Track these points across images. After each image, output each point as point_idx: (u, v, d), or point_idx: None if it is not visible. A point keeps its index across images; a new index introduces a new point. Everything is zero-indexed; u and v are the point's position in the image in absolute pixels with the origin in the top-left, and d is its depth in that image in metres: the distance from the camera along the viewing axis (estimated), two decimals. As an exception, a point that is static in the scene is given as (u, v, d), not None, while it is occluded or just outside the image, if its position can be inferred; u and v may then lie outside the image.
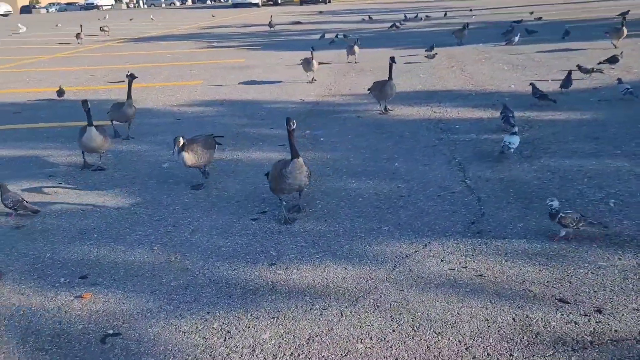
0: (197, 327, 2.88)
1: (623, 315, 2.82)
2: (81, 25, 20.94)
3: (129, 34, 22.94)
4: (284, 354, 2.65)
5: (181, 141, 4.52)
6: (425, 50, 11.55)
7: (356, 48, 11.87)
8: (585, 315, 2.83)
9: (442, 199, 4.47)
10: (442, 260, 3.48)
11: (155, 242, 3.94)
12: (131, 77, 6.68)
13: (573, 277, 3.22)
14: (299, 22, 25.98)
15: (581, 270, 3.28)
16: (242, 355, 2.65)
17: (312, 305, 3.05)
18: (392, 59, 7.15)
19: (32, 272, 3.57)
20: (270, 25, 21.91)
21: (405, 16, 24.36)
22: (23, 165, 5.95)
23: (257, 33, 21.83)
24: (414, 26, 20.45)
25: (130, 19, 31.92)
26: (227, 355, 2.67)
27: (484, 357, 2.56)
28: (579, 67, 8.76)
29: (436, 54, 11.32)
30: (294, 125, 3.94)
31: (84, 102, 5.34)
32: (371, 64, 11.64)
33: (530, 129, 6.38)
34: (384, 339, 2.73)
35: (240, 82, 10.46)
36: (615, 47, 11.13)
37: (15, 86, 11.20)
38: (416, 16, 24.28)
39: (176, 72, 12.14)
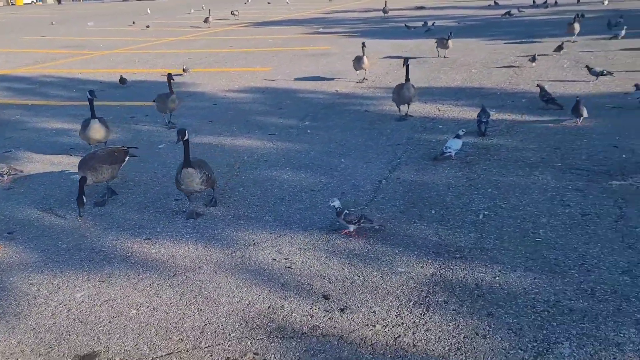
0: (42, 281, 3.63)
1: (358, 314, 3.06)
2: (209, 10, 22.82)
3: (255, 18, 24.42)
4: (81, 308, 3.30)
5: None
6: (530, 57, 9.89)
7: (450, 43, 11.15)
8: (327, 311, 3.12)
9: (341, 197, 4.76)
10: (276, 251, 3.88)
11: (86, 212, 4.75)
12: (169, 77, 7.24)
13: (359, 277, 3.46)
14: (422, 7, 25.66)
15: (375, 273, 3.50)
16: (56, 307, 3.34)
17: (139, 275, 3.66)
18: (406, 60, 6.96)
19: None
20: (384, 11, 22.03)
21: (533, 1, 23.04)
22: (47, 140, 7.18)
23: (370, 19, 22.06)
24: (532, 14, 19.35)
25: (268, 2, 33.63)
26: (43, 303, 3.39)
27: (227, 331, 2.99)
28: (588, 68, 8.24)
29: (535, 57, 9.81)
30: (186, 136, 4.17)
31: (90, 91, 5.70)
32: (460, 57, 11.42)
33: (507, 133, 6.25)
34: (160, 307, 3.27)
35: (303, 70, 11.02)
36: None
37: (124, 66, 12.86)
38: (545, 2, 22.81)
39: (258, 58, 13.04)
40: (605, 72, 8.14)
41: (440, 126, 6.77)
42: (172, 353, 2.81)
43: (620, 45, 11.35)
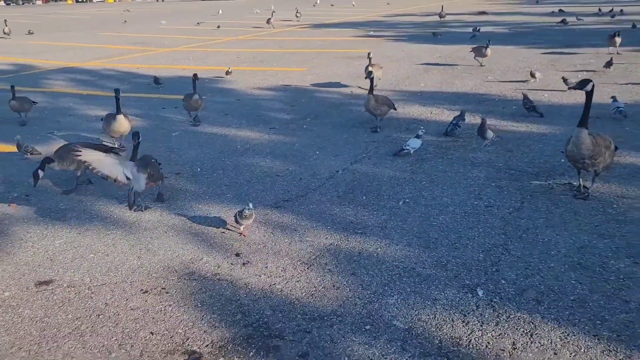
0: (35, 231, 4.68)
1: (254, 268, 3.85)
2: (273, 12, 24.01)
3: (316, 20, 25.38)
4: (55, 251, 4.29)
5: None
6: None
7: (489, 51, 11.17)
8: (232, 264, 3.93)
9: (289, 183, 5.50)
10: (220, 220, 4.71)
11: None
12: (194, 77, 7.70)
13: (272, 242, 4.24)
14: (484, 12, 25.68)
15: (286, 240, 4.27)
16: (37, 249, 4.36)
17: (107, 230, 4.62)
18: (370, 74, 7.17)
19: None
20: (440, 15, 22.35)
21: (599, 9, 22.65)
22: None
23: (426, 23, 22.42)
24: (590, 22, 19.11)
25: (332, 5, 34.54)
26: (30, 246, 4.42)
27: (151, 272, 3.88)
28: (564, 80, 8.51)
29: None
30: (139, 139, 4.67)
31: (116, 90, 6.31)
32: (488, 64, 11.80)
33: (476, 136, 6.75)
34: (112, 254, 4.20)
35: (333, 72, 11.77)
36: None
37: (181, 63, 14.18)
38: (611, 10, 22.34)
39: (300, 59, 13.92)
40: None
41: (422, 127, 7.35)
42: (105, 284, 3.72)
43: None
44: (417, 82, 10.39)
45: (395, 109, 7.35)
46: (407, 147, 6.05)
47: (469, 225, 4.35)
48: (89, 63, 13.93)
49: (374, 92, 7.05)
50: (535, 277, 3.55)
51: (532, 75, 9.18)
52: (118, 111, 6.39)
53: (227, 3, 41.03)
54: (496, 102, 8.53)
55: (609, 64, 9.72)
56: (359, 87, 9.93)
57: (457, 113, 7.14)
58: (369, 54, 9.59)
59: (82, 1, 53.51)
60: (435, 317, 3.19)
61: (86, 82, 11.47)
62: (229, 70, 11.29)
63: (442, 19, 22.34)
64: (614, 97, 7.17)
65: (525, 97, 7.58)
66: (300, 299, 3.42)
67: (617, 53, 12.07)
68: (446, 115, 7.87)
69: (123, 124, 6.45)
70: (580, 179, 4.90)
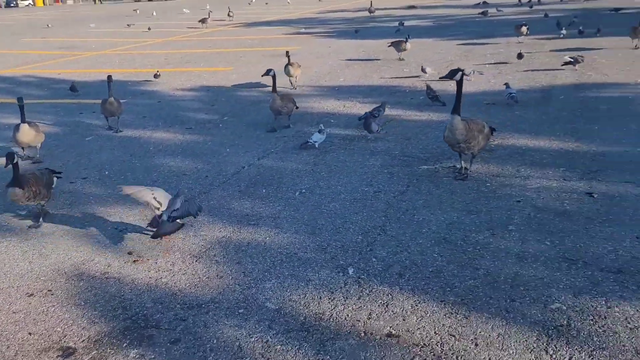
0: None
1: (145, 264, 3.98)
2: (210, 11, 23.87)
3: (249, 19, 25.37)
4: None
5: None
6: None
7: (408, 45, 11.42)
8: (124, 262, 4.04)
9: (194, 181, 5.64)
10: (115, 221, 4.80)
11: None
12: (109, 79, 7.49)
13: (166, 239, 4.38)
14: (413, 7, 26.31)
15: (180, 236, 4.41)
16: None
17: (5, 239, 4.63)
18: (268, 72, 7.01)
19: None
20: (369, 10, 22.77)
21: (519, 0, 23.63)
22: None
23: (356, 18, 22.81)
24: (509, 13, 19.92)
25: (266, 3, 34.61)
26: None
27: (40, 276, 3.94)
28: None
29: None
30: (15, 159, 4.45)
31: (19, 98, 6.06)
32: (407, 57, 12.13)
33: (382, 126, 7.06)
34: (4, 261, 4.23)
35: (259, 70, 11.72)
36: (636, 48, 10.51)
37: (106, 66, 13.97)
38: (529, 1, 23.36)
39: (227, 58, 13.96)
40: (475, 72, 9.18)
41: (333, 120, 7.62)
42: (-6, 288, 3.77)
43: (556, 46, 11.95)
44: (337, 77, 10.66)
45: (297, 107, 7.41)
46: (311, 141, 6.27)
47: (355, 211, 4.60)
48: (9, 70, 13.55)
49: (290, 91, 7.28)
50: (403, 253, 3.83)
51: (423, 70, 9.51)
52: (22, 120, 6.22)
53: (162, 4, 40.36)
54: (406, 94, 8.89)
55: (520, 56, 10.11)
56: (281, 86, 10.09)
57: (369, 106, 7.43)
58: (287, 52, 9.74)
59: (12, 6, 51.50)
60: (305, 296, 3.41)
61: (1, 90, 11.18)
62: (157, 73, 11.20)
63: (371, 14, 22.78)
64: (507, 84, 7.63)
65: (428, 87, 7.94)
66: (183, 290, 3.58)
67: (518, 42, 12.72)
68: (357, 107, 8.15)
69: (26, 134, 6.20)
70: (463, 162, 5.24)
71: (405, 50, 11.73)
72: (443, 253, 3.79)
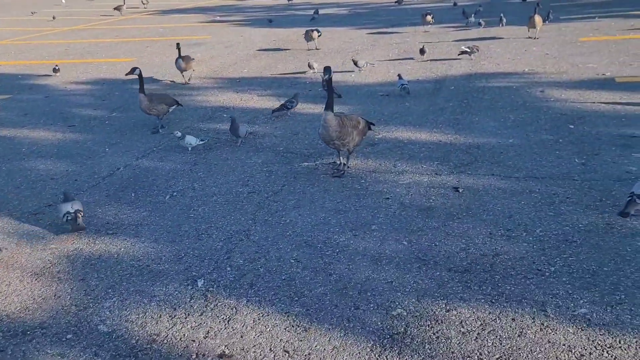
0: None
1: (-22, 286, 3.60)
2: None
3: (165, 6, 24.41)
4: None
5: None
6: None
7: (315, 34, 11.29)
8: None
9: (61, 186, 5.24)
10: None
11: None
12: None
13: (15, 247, 4.00)
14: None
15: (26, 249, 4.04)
16: None
17: None
18: (133, 70, 6.54)
19: None
20: (288, -2, 22.44)
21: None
22: None
23: (275, 6, 22.40)
24: (423, 1, 20.09)
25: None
26: None
27: None
28: (354, 62, 8.95)
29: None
30: None
31: None
32: (323, 47, 11.94)
33: (275, 120, 6.84)
34: None
35: (162, 61, 11.32)
36: (536, 38, 10.73)
37: (-1, 59, 12.97)
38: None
39: (132, 49, 13.28)
40: (368, 64, 9.02)
41: (225, 115, 7.33)
42: None
43: (459, 36, 12.10)
44: (242, 68, 10.33)
45: (180, 104, 6.91)
46: (183, 144, 5.85)
47: (224, 214, 4.38)
48: None
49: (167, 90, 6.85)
50: (260, 260, 3.65)
51: (310, 66, 9.32)
52: None
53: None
54: (306, 85, 8.71)
55: (422, 52, 9.56)
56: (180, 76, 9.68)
57: (267, 98, 7.18)
58: (177, 44, 9.19)
59: None
60: (145, 315, 3.16)
61: None
62: (57, 67, 10.27)
63: (290, 1, 22.46)
64: (399, 75, 7.59)
65: (323, 79, 7.78)
66: (11, 315, 3.24)
67: (424, 31, 12.86)
68: (254, 101, 7.90)
69: None
70: (342, 157, 5.12)
71: (313, 39, 11.54)
72: (301, 258, 3.64)
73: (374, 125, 5.34)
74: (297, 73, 9.51)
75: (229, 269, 3.58)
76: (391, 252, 3.63)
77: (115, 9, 20.84)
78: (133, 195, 4.90)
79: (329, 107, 4.74)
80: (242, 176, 5.14)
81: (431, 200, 4.34)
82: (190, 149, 5.90)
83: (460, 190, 4.46)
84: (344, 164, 5.09)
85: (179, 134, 5.86)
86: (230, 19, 18.37)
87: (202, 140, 5.90)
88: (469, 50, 9.24)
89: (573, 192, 4.26)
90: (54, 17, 20.25)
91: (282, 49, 12.06)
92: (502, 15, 12.44)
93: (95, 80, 10.00)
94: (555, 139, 5.43)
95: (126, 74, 6.69)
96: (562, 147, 5.22)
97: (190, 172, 5.35)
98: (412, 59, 9.86)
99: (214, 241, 3.96)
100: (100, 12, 22.71)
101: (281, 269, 3.53)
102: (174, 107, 6.69)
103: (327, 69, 4.73)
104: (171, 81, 9.31)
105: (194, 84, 9.17)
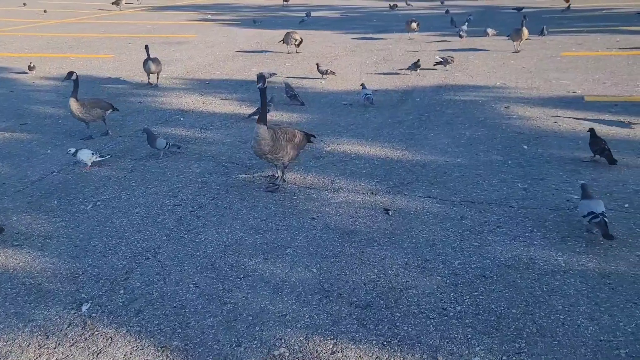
0: None
1: None
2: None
3: (160, 2, 24.20)
4: None
5: None
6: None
7: (297, 36, 11.04)
8: None
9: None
10: None
11: None
12: None
13: None
14: (330, -4, 25.86)
15: None
16: None
17: None
18: (70, 75, 6.13)
19: None
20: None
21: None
22: None
23: (270, 7, 22.16)
24: (419, 7, 19.87)
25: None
26: None
27: None
28: (317, 66, 8.68)
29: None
30: None
31: None
32: (304, 50, 11.78)
33: (228, 127, 6.59)
34: None
35: (139, 59, 11.04)
36: (517, 51, 10.40)
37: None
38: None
39: (114, 45, 13.03)
40: (329, 71, 8.70)
41: (182, 119, 7.08)
42: None
43: (442, 46, 11.83)
44: (215, 69, 10.08)
45: (116, 109, 6.53)
46: (80, 160, 5.35)
47: (140, 228, 4.13)
48: None
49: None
50: (158, 283, 3.40)
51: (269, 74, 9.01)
52: None
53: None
54: (274, 90, 8.43)
55: (416, 66, 8.79)
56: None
57: (231, 102, 6.91)
58: (146, 46, 8.67)
59: None
60: (13, 343, 2.91)
61: None
62: (32, 65, 9.91)
63: (285, 3, 22.22)
64: (363, 84, 7.34)
65: (287, 85, 7.55)
66: None
67: (409, 38, 12.61)
68: (216, 105, 7.66)
69: None
70: (279, 171, 4.87)
71: (292, 43, 11.26)
72: (201, 283, 3.39)
73: (314, 137, 5.09)
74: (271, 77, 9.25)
75: (122, 291, 3.33)
76: (297, 280, 3.37)
77: (113, 3, 20.61)
78: (55, 202, 4.65)
79: (261, 119, 4.48)
80: (174, 187, 4.89)
81: (357, 223, 4.08)
82: (89, 164, 5.35)
83: (390, 213, 4.20)
84: (280, 176, 4.84)
85: (72, 150, 5.31)
86: (220, 18, 18.14)
87: (101, 156, 5.37)
88: (443, 60, 8.98)
89: (505, 221, 4.00)
90: (45, 11, 20.03)
91: (261, 51, 11.81)
92: (486, 28, 12.12)
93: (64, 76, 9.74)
94: (504, 160, 5.16)
95: (63, 80, 6.25)
96: (509, 169, 4.95)
97: (123, 179, 5.10)
98: (387, 60, 9.61)
99: (118, 259, 3.71)
100: (99, 5, 22.47)
101: (176, 295, 3.27)
102: (109, 111, 6.39)
103: (260, 77, 4.46)
104: (149, 83, 8.99)
105: (163, 85, 8.92)
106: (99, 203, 4.60)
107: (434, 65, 9.21)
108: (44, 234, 4.10)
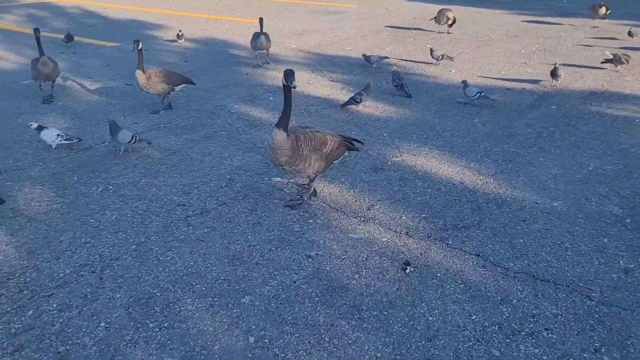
0: None
1: None
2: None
3: None
4: None
5: None
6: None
7: (450, 14, 9.68)
8: None
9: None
10: None
11: None
12: (36, 32, 5.82)
13: None
14: None
15: None
16: None
17: None
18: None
19: None
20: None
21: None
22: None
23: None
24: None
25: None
26: None
27: None
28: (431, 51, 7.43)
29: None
30: None
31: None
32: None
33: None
34: None
35: (282, 27, 10.69)
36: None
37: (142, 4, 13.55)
38: None
39: (272, 10, 12.89)
40: (445, 56, 7.39)
41: (272, 98, 6.42)
42: None
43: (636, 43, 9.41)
44: (347, 45, 9.23)
45: (192, 83, 5.92)
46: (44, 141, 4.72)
47: (121, 228, 3.54)
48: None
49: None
50: (73, 311, 2.76)
51: (432, 52, 7.68)
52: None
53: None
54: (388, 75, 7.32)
55: (554, 74, 6.55)
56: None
57: (334, 84, 6.06)
58: (260, 19, 8.08)
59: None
60: None
61: (34, 19, 11.12)
62: (180, 34, 9.30)
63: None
64: (464, 82, 5.89)
65: (395, 73, 6.43)
66: None
67: (594, 26, 10.23)
68: (321, 86, 6.87)
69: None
70: (309, 181, 3.91)
71: (446, 22, 9.81)
72: (114, 324, 2.66)
73: (361, 144, 3.99)
74: (406, 58, 8.09)
75: (29, 313, 2.75)
76: (219, 349, 2.47)
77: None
78: (75, 178, 4.28)
79: (281, 122, 3.50)
80: (197, 180, 4.23)
81: (356, 277, 2.99)
82: (54, 146, 4.73)
83: (408, 271, 3.02)
84: (308, 190, 3.88)
85: (34, 125, 4.66)
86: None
87: (67, 139, 4.68)
88: (613, 58, 6.94)
89: (565, 321, 2.58)
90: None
91: (409, 28, 10.58)
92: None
93: (199, 39, 9.70)
94: (622, 216, 3.53)
95: (132, 49, 5.61)
96: (619, 233, 3.33)
97: (157, 162, 4.57)
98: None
99: (65, 266, 3.15)
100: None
101: (74, 334, 2.60)
102: (180, 86, 5.84)
103: (288, 73, 3.44)
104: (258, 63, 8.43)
105: (281, 58, 8.32)
106: (110, 188, 4.14)
107: (601, 62, 7.19)
108: (29, 215, 3.74)
